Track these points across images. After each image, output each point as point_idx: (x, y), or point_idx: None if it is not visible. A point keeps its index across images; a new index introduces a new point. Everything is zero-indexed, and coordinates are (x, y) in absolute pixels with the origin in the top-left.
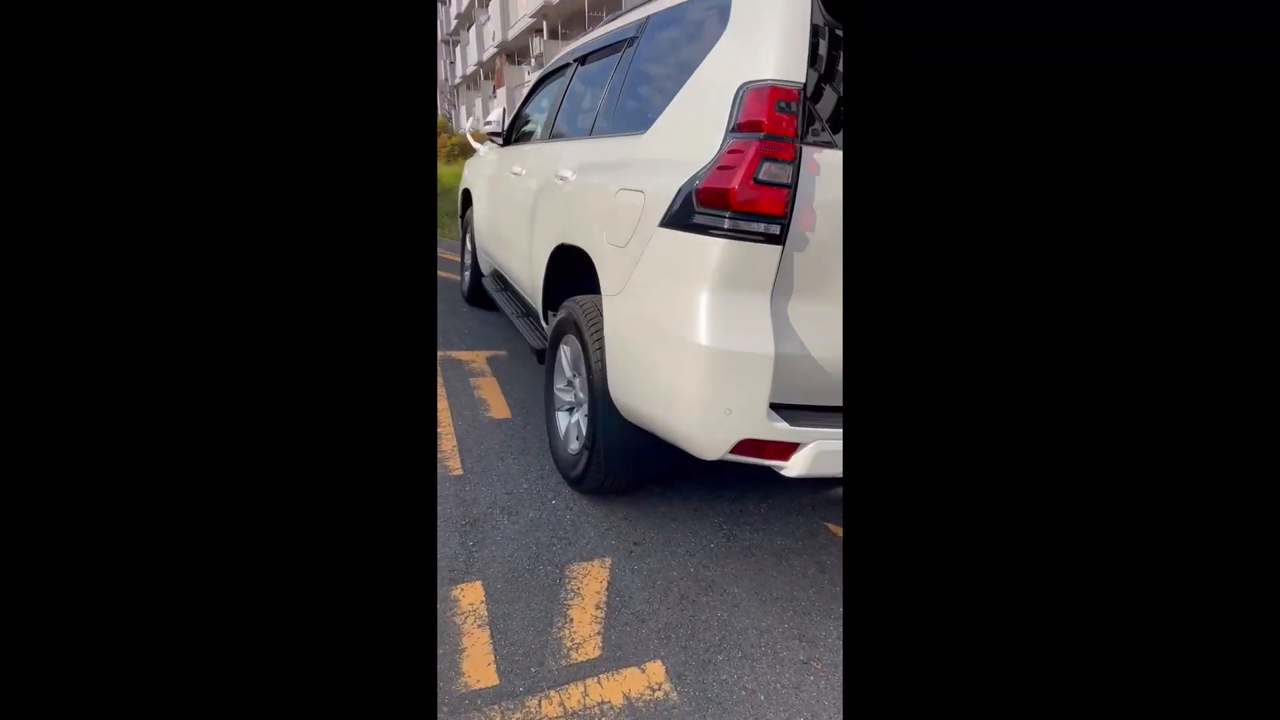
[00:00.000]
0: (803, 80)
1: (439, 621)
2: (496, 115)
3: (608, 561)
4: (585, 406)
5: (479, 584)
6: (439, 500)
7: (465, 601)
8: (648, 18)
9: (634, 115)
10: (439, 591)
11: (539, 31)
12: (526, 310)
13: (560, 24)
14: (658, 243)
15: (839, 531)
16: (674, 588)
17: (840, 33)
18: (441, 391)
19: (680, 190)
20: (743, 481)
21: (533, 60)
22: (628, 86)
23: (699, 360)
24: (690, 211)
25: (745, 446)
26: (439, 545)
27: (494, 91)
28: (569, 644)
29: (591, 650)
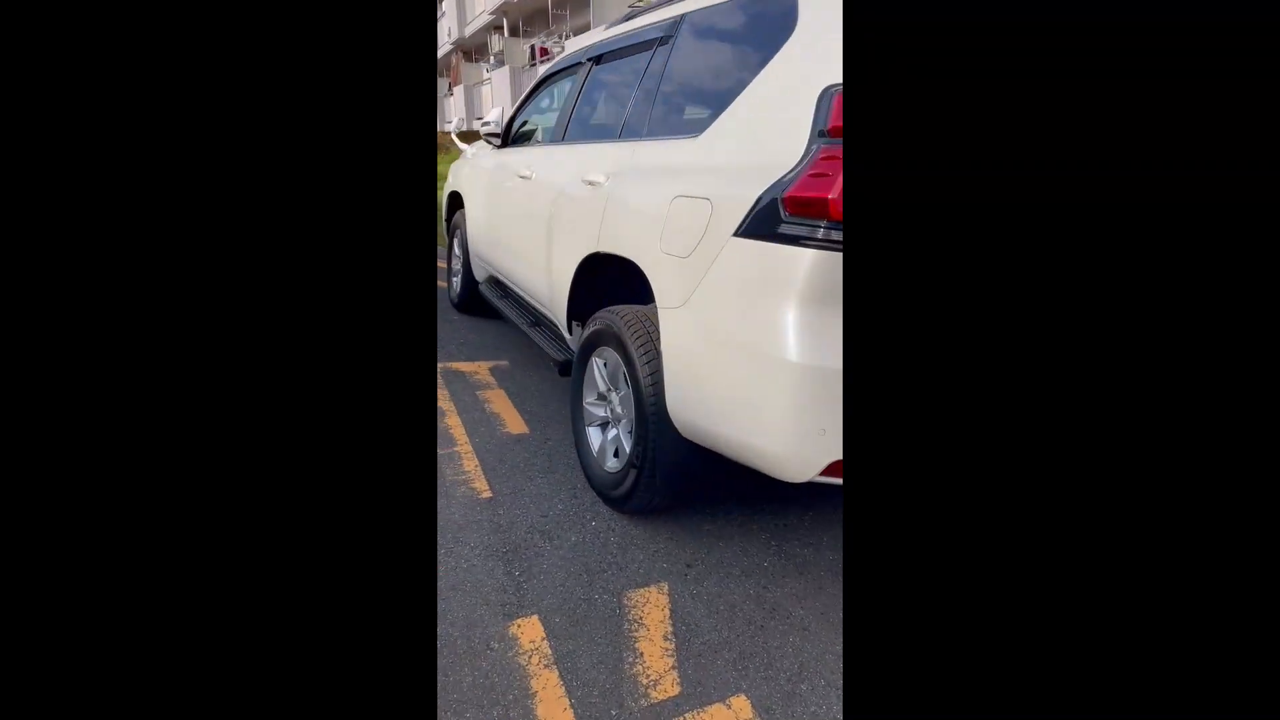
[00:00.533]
0: None
1: (502, 662)
2: (494, 115)
3: (665, 587)
4: (625, 422)
5: (535, 618)
6: (474, 526)
7: (525, 639)
8: (682, 16)
9: (679, 118)
10: (495, 628)
11: (498, 29)
12: (538, 319)
13: (521, 21)
14: (732, 253)
15: None
16: (739, 612)
17: None
18: (451, 407)
19: (760, 198)
20: (781, 493)
21: (491, 58)
22: (665, 87)
23: (791, 378)
24: (775, 221)
25: (835, 468)
26: (484, 575)
27: (449, 89)
28: (645, 681)
29: (670, 687)
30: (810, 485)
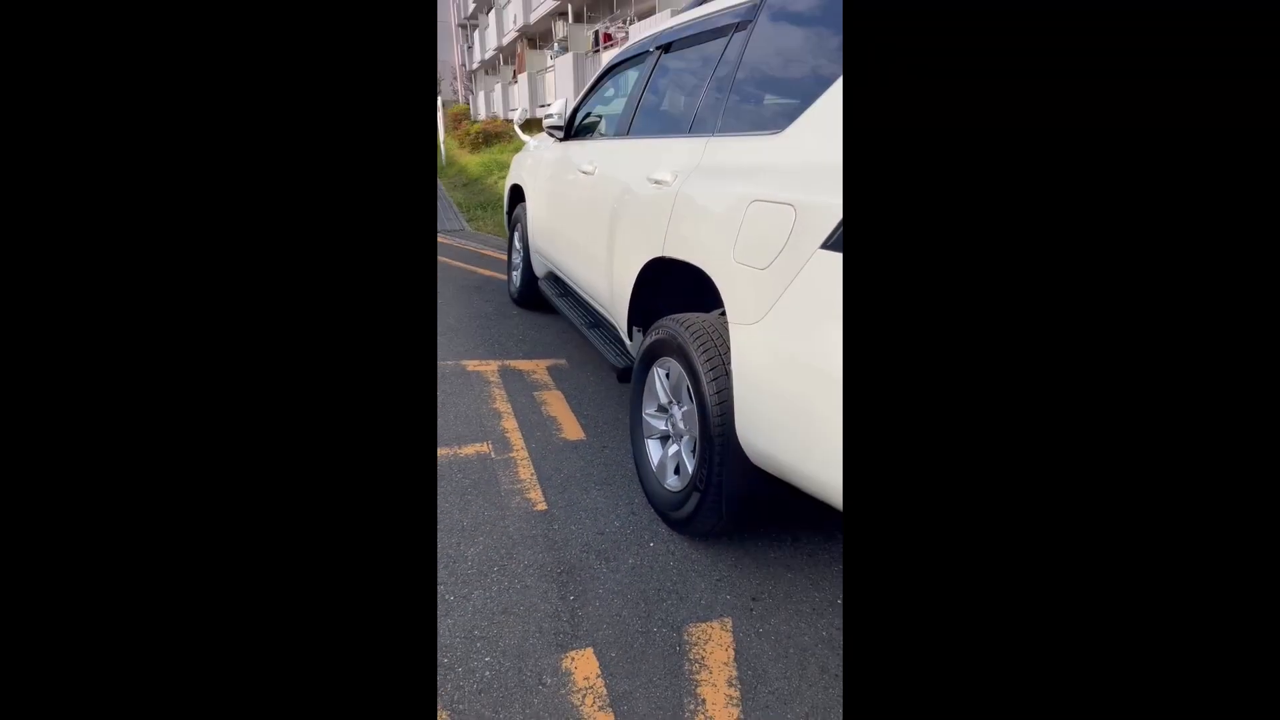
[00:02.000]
0: None
1: (554, 700)
2: (558, 107)
3: (728, 623)
4: (687, 439)
5: (590, 651)
6: (528, 541)
7: (579, 675)
8: (760, 2)
9: (758, 112)
10: (547, 660)
11: (562, 15)
12: (597, 321)
13: (586, 7)
14: (819, 268)
15: None
16: (810, 657)
17: None
18: (508, 408)
19: None
20: None
21: (555, 45)
22: (742, 78)
23: None
24: None
25: None
26: (537, 598)
27: (514, 77)
28: None
29: None
30: None
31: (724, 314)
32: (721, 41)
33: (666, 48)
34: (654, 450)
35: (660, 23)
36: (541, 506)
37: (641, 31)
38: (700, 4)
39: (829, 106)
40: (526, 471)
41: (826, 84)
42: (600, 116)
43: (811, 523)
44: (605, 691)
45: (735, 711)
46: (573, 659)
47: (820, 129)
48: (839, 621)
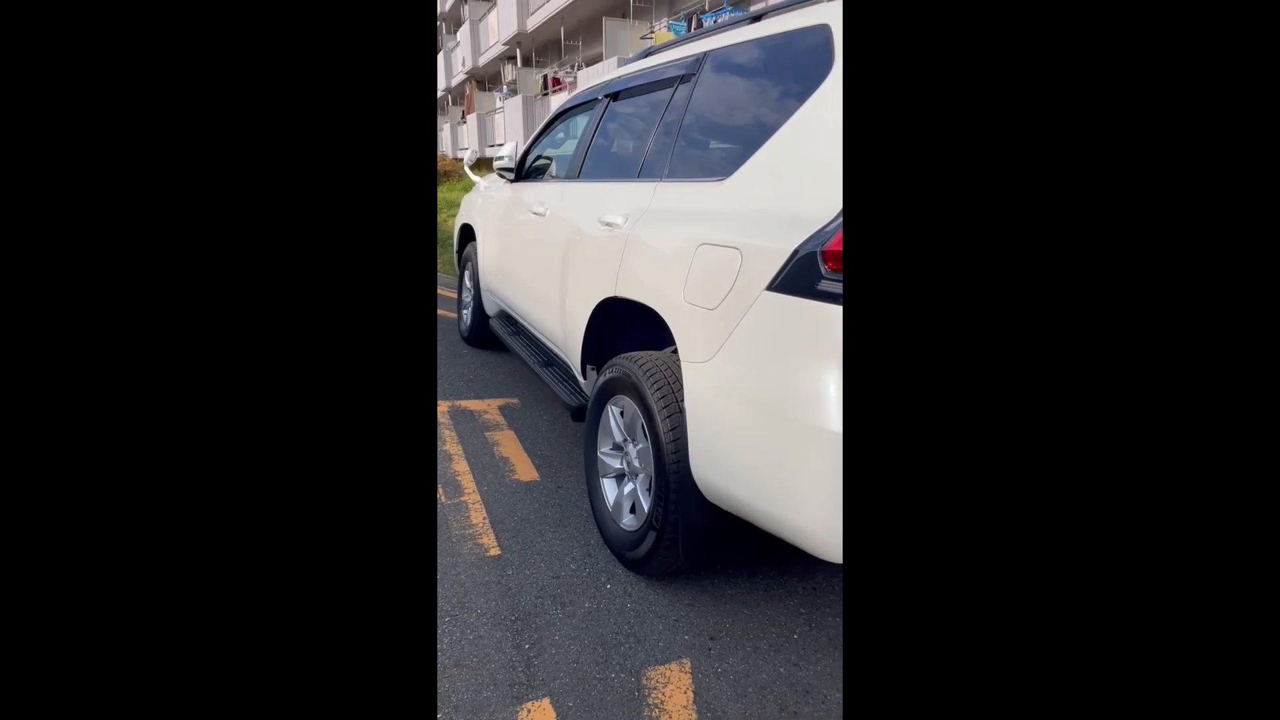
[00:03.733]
0: None
1: None
2: (509, 149)
3: (687, 664)
4: (643, 477)
5: (547, 701)
6: (481, 588)
7: None
8: (705, 53)
9: (704, 159)
10: (502, 713)
11: (511, 59)
12: (550, 359)
13: (534, 51)
14: (765, 309)
15: None
16: (769, 695)
17: None
18: (459, 450)
19: (797, 251)
20: (811, 559)
21: (504, 87)
22: (688, 126)
23: (833, 449)
24: (814, 276)
25: None
26: (491, 648)
27: (463, 117)
28: None
29: None
30: None
31: (676, 352)
32: (668, 92)
33: (615, 95)
34: (609, 489)
35: (608, 69)
36: (495, 551)
37: (589, 77)
38: (647, 55)
39: (769, 157)
40: (479, 515)
41: (769, 133)
42: (550, 159)
43: (767, 557)
44: None
45: None
46: (529, 710)
47: (762, 176)
48: (795, 657)
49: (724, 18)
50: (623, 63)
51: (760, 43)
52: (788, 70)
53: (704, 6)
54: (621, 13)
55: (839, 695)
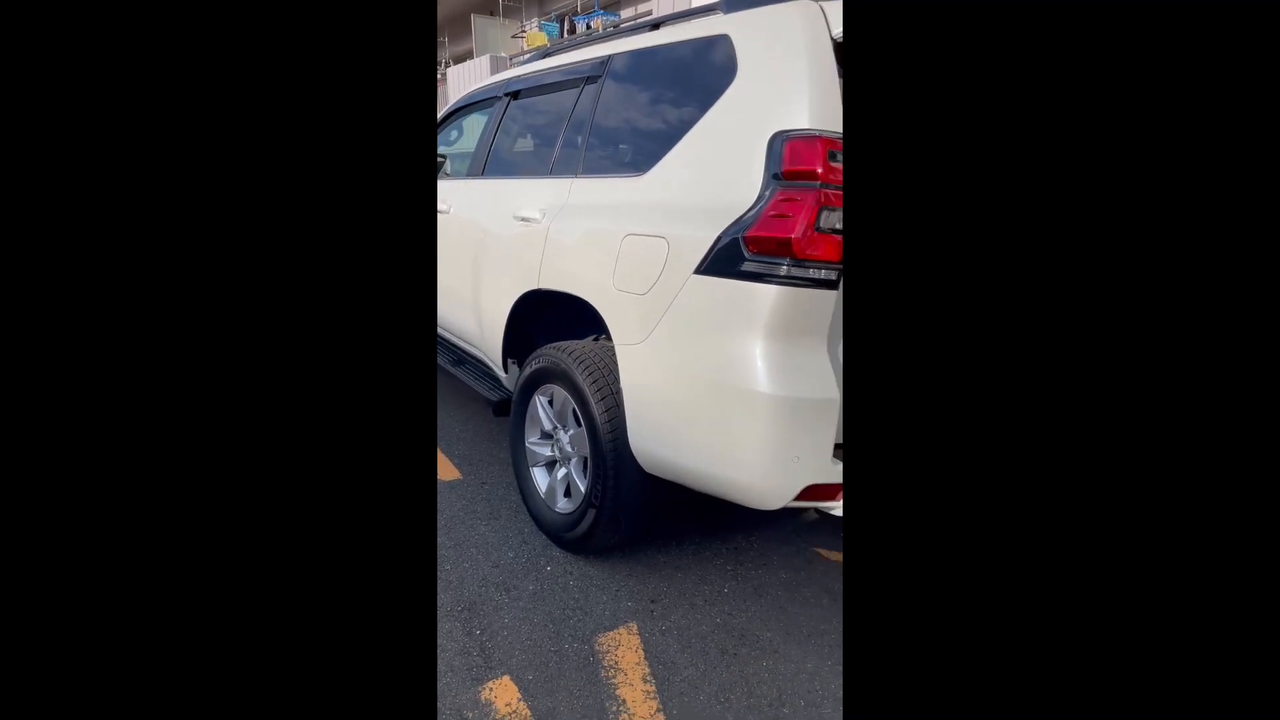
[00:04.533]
0: (842, 130)
1: None
2: None
3: (634, 627)
4: (576, 461)
5: (506, 678)
6: None
7: (500, 702)
8: (610, 57)
9: (618, 156)
10: (465, 695)
11: None
12: (461, 358)
13: None
14: (694, 290)
15: (829, 556)
16: (710, 643)
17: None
18: None
19: (720, 238)
20: (731, 520)
21: None
22: (599, 126)
23: (765, 410)
24: (738, 259)
25: (807, 492)
26: (443, 639)
27: None
28: None
29: None
30: (762, 513)
31: (606, 339)
32: (574, 92)
33: (516, 95)
34: (541, 477)
35: (479, 68)
36: None
37: (461, 75)
38: (542, 57)
39: (685, 154)
40: None
41: (683, 130)
42: (445, 157)
43: (692, 525)
44: (529, 713)
45: (654, 704)
46: (491, 689)
47: (679, 171)
48: (728, 608)
49: (595, 21)
50: (498, 61)
51: (665, 49)
52: (693, 74)
53: (576, 8)
54: (490, 10)
55: (770, 635)
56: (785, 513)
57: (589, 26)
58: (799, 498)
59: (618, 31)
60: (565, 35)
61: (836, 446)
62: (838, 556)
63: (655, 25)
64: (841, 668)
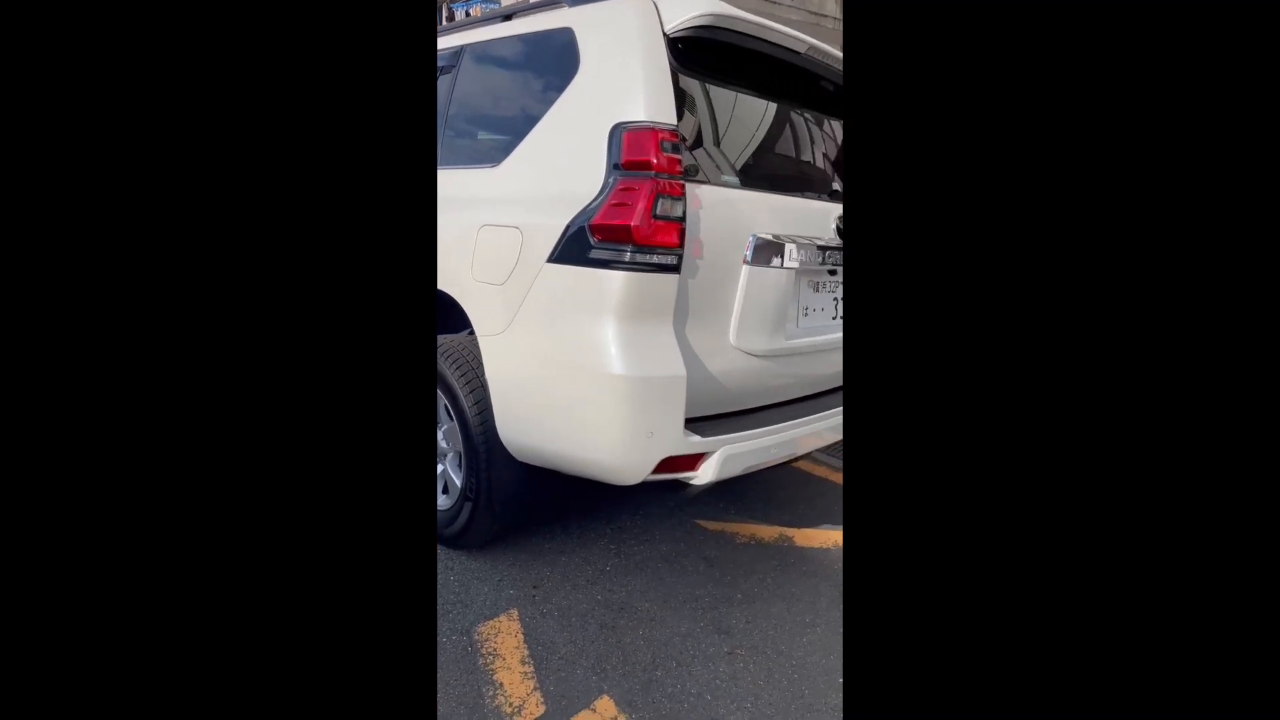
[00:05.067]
0: (675, 122)
1: None
2: None
3: (514, 613)
4: (451, 455)
5: None
6: None
7: None
8: (463, 47)
9: (474, 147)
10: None
11: None
12: None
13: None
14: (548, 279)
15: (709, 526)
16: (590, 619)
17: (681, 77)
18: None
19: (568, 227)
20: (614, 500)
21: None
22: (454, 117)
23: (618, 390)
24: (586, 246)
25: (664, 465)
26: None
27: None
28: (509, 710)
29: (535, 708)
30: (639, 487)
31: (470, 333)
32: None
33: None
34: None
35: None
36: None
37: None
38: None
39: (535, 145)
40: None
41: (532, 123)
42: None
43: (575, 510)
44: None
45: (531, 683)
46: None
47: (530, 164)
48: (609, 585)
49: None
50: None
51: (514, 40)
52: (541, 66)
53: None
54: None
55: (648, 604)
56: (668, 488)
57: (468, 13)
58: (657, 470)
59: (471, 21)
60: (445, 22)
61: (688, 421)
62: (717, 526)
63: (507, 16)
64: (713, 628)
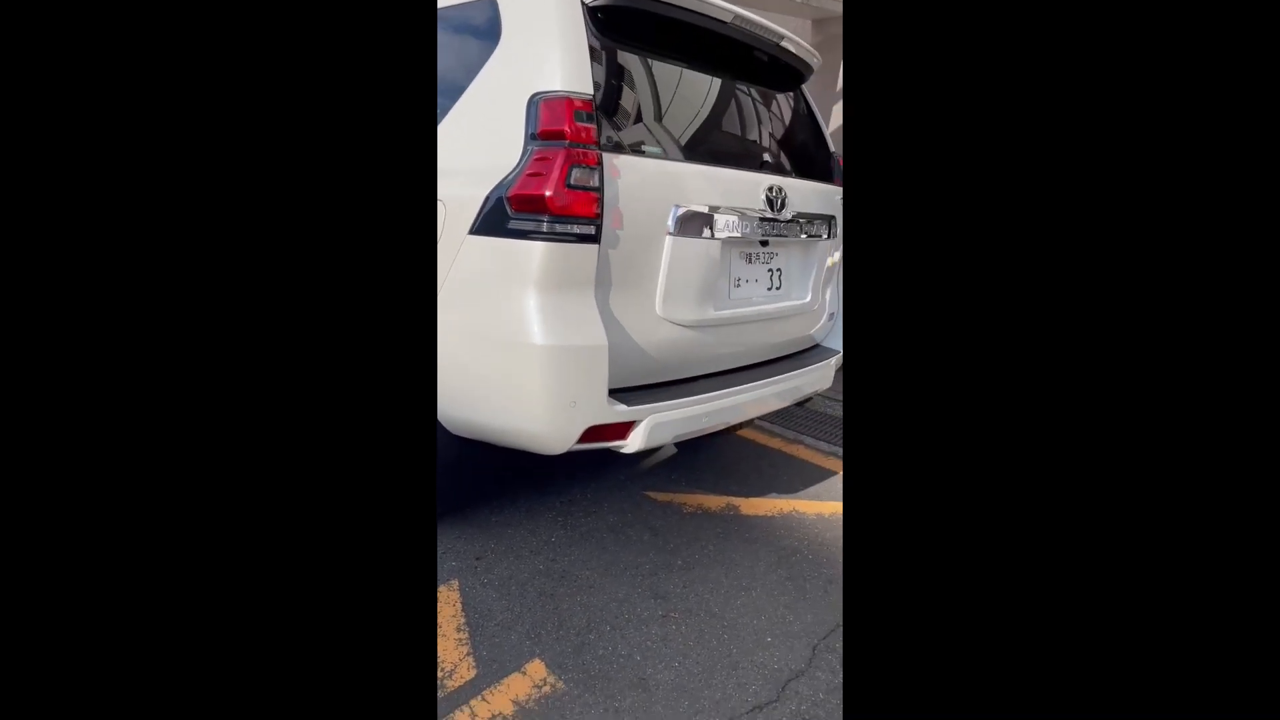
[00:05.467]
0: (591, 92)
1: None
2: None
3: (455, 583)
4: None
5: None
6: None
7: None
8: None
9: None
10: None
11: None
12: None
13: None
14: (470, 251)
15: (657, 497)
16: (530, 588)
17: (603, 48)
18: None
19: (488, 198)
20: (566, 474)
21: None
22: None
23: (540, 360)
24: (505, 218)
25: (590, 434)
26: None
27: None
28: (439, 675)
29: (466, 672)
30: (591, 461)
31: None
32: None
33: None
34: None
35: None
36: None
37: None
38: None
39: (459, 117)
40: None
41: (459, 93)
42: None
43: (528, 485)
44: None
45: (465, 649)
46: None
47: (454, 137)
48: (552, 554)
49: None
50: None
51: (443, 11)
52: (467, 37)
53: None
54: None
55: (589, 572)
56: (623, 462)
57: None
58: (584, 440)
59: None
60: None
61: (617, 391)
62: (666, 497)
63: None
64: (650, 593)
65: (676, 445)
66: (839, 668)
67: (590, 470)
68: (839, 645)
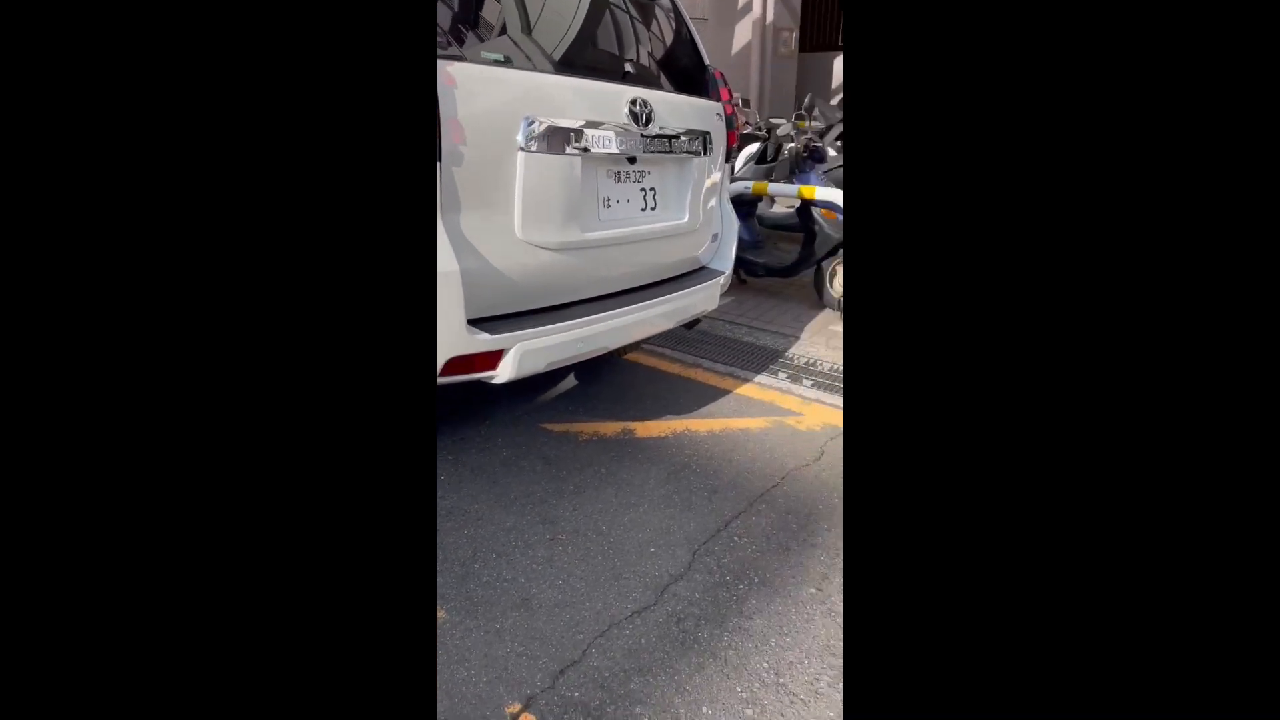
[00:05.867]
0: None
1: None
2: None
3: None
4: None
5: None
6: None
7: None
8: None
9: None
10: None
11: None
12: None
13: None
14: None
15: (553, 428)
16: None
17: None
18: None
19: None
20: (458, 413)
21: None
22: None
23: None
24: None
25: (454, 365)
26: None
27: None
28: None
29: None
30: (486, 398)
31: None
32: None
33: None
34: None
35: None
36: None
37: None
38: None
39: None
40: None
41: None
42: None
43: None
44: None
45: None
46: None
47: None
48: (442, 493)
49: None
50: None
51: None
52: None
53: None
54: None
55: (479, 507)
56: (519, 396)
57: None
58: (449, 372)
59: None
60: None
61: (470, 321)
62: (562, 427)
63: None
64: (540, 519)
65: (576, 378)
66: (715, 568)
67: (484, 409)
68: (718, 548)
